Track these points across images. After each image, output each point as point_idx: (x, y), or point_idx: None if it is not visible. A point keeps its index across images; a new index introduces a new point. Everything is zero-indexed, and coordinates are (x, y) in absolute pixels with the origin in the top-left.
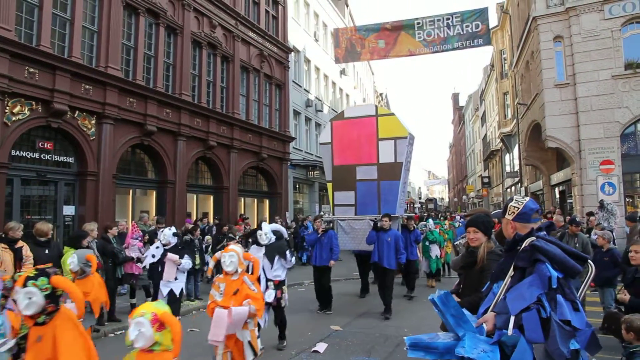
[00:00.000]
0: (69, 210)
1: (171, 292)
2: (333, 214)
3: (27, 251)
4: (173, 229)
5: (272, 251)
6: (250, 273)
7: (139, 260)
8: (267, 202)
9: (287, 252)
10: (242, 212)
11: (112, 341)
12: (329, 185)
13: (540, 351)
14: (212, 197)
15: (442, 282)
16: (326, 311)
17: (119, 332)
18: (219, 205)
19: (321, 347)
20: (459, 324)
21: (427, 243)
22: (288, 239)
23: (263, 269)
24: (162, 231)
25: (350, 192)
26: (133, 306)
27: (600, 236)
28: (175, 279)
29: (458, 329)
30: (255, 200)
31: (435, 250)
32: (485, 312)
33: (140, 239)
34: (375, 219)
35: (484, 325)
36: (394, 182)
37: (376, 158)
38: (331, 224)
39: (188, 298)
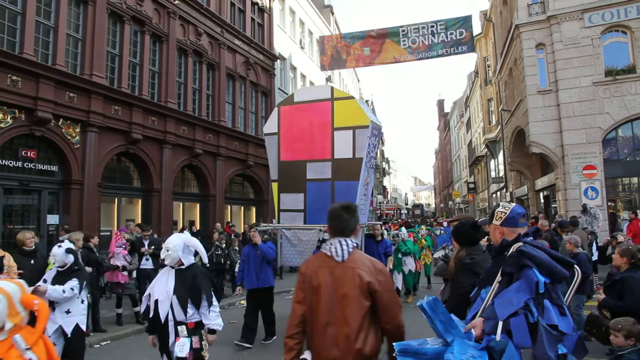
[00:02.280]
0: (53, 219)
1: (77, 327)
2: (278, 221)
3: (9, 261)
4: (67, 244)
5: (185, 280)
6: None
7: (124, 268)
8: (253, 209)
9: (204, 287)
10: (229, 220)
11: (98, 352)
12: (274, 186)
13: (528, 356)
14: (198, 205)
15: (417, 296)
16: (266, 340)
17: (104, 343)
18: (206, 213)
19: (308, 354)
20: (447, 330)
21: (399, 255)
22: (207, 263)
23: (171, 306)
24: (56, 249)
25: (299, 195)
26: (119, 316)
27: (568, 241)
28: (68, 311)
29: (447, 335)
30: (242, 207)
31: (409, 264)
32: (474, 317)
33: (124, 246)
34: (323, 229)
35: (473, 330)
36: (351, 183)
37: (330, 152)
38: (267, 235)
39: None
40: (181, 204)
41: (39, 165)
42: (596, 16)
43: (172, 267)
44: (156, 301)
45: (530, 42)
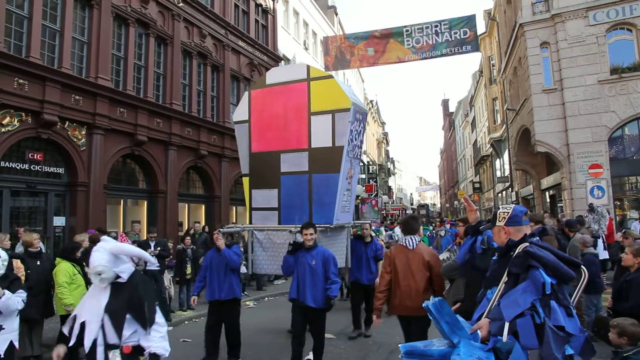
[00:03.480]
0: (59, 221)
1: (11, 345)
2: (250, 221)
3: (17, 262)
4: None
5: (121, 294)
6: None
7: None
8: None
9: (146, 300)
10: (234, 221)
11: None
12: (245, 182)
13: (534, 357)
14: (203, 206)
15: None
16: None
17: None
18: (211, 214)
19: (310, 354)
20: (453, 331)
21: None
22: (158, 266)
23: (102, 327)
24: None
25: (273, 191)
26: None
27: (579, 241)
28: (1, 328)
29: (453, 336)
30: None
31: None
32: (480, 318)
33: None
34: (294, 231)
35: (479, 331)
36: (331, 176)
37: (307, 141)
38: (235, 237)
39: (180, 308)
40: (186, 205)
41: (46, 167)
42: (601, 14)
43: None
44: (82, 324)
45: (534, 41)
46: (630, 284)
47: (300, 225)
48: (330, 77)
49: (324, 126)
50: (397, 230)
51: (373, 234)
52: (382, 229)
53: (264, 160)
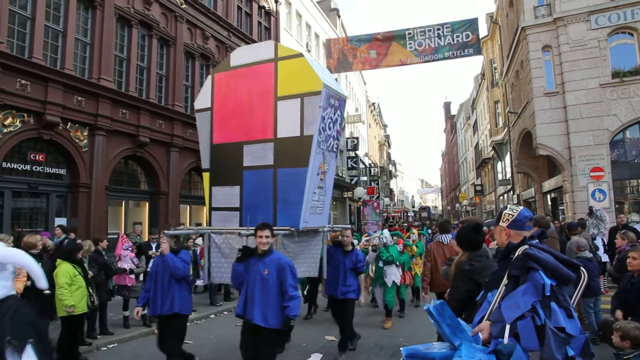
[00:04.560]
0: (60, 222)
1: None
2: (209, 223)
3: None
4: None
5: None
6: None
7: (132, 271)
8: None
9: (16, 337)
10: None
11: (105, 355)
12: (205, 178)
13: (535, 359)
14: (205, 208)
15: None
16: None
17: (111, 346)
18: None
19: (316, 357)
20: (454, 334)
21: (380, 264)
22: (46, 288)
23: None
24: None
25: (234, 188)
26: (126, 319)
27: (575, 243)
28: None
29: (454, 339)
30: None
31: (393, 275)
32: (481, 321)
33: (131, 249)
34: (244, 233)
35: (480, 334)
36: (298, 171)
37: (273, 130)
38: (185, 241)
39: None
40: (188, 207)
41: (47, 168)
42: (603, 18)
43: None
44: None
45: (536, 44)
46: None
47: (253, 228)
48: (300, 55)
49: (292, 113)
50: (386, 232)
51: (356, 242)
52: (386, 230)
53: (226, 153)
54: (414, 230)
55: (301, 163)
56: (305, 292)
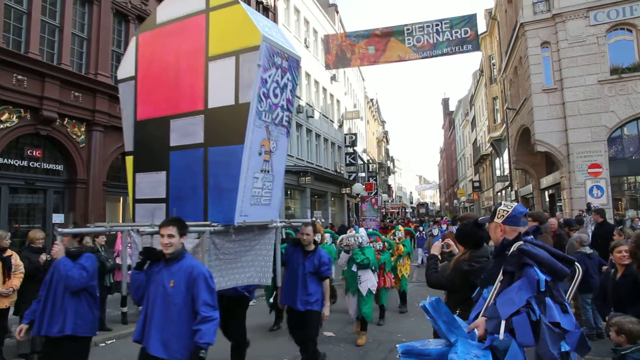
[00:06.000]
0: (58, 218)
1: None
2: (133, 218)
3: (16, 260)
4: None
5: None
6: None
7: (130, 267)
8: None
9: None
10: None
11: (103, 351)
12: (128, 162)
13: (531, 354)
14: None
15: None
16: None
17: (109, 342)
18: None
19: None
20: (450, 330)
21: (354, 268)
22: None
23: None
24: None
25: (160, 174)
26: (124, 315)
27: (575, 239)
28: None
29: (450, 335)
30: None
31: (368, 281)
32: (476, 317)
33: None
34: (144, 231)
35: (476, 330)
36: (232, 150)
37: (203, 99)
38: (89, 242)
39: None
40: None
41: (45, 164)
42: (601, 14)
43: None
44: None
45: (535, 41)
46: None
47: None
48: (236, 2)
49: (225, 76)
50: (361, 231)
51: (328, 239)
52: (361, 229)
53: (151, 131)
54: (400, 228)
55: (236, 139)
56: (272, 300)
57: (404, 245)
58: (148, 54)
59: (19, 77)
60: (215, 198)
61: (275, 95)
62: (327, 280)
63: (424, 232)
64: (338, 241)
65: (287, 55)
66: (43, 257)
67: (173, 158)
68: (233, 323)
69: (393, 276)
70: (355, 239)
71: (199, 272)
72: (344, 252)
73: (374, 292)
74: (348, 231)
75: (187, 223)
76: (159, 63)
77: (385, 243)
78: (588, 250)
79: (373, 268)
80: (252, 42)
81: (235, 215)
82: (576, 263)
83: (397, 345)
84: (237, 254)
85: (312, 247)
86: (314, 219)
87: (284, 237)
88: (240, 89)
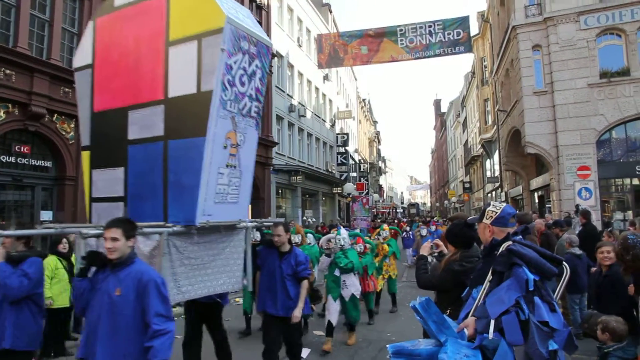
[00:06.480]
0: (46, 215)
1: None
2: (89, 219)
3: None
4: None
5: None
6: None
7: None
8: (249, 207)
9: None
10: None
11: None
12: (84, 158)
13: (520, 353)
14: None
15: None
16: None
17: None
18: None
19: (304, 352)
20: (440, 330)
21: (336, 273)
22: None
23: None
24: None
25: (118, 170)
26: None
27: (565, 240)
28: None
29: (440, 335)
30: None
31: (352, 286)
32: (466, 317)
33: None
34: (86, 233)
35: (465, 330)
36: (193, 142)
37: (163, 88)
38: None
39: None
40: None
41: (33, 160)
42: (592, 19)
43: None
44: None
45: (526, 44)
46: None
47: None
48: None
49: (187, 62)
50: (343, 232)
51: (312, 240)
52: (343, 230)
53: (109, 124)
54: (385, 227)
55: (198, 131)
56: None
57: (389, 245)
58: (106, 39)
59: (7, 71)
60: (176, 196)
61: (242, 84)
62: (306, 281)
63: (411, 233)
64: (320, 242)
65: (255, 40)
66: None
67: (131, 153)
68: (209, 325)
69: (378, 277)
70: (337, 241)
71: (150, 278)
72: (324, 256)
73: (358, 296)
74: (332, 231)
75: (143, 224)
76: (117, 49)
77: (367, 245)
78: (578, 251)
79: (357, 272)
80: (215, 25)
81: (197, 214)
82: (564, 263)
83: (387, 346)
84: (206, 259)
85: (287, 247)
86: (285, 219)
87: (263, 237)
88: (202, 76)
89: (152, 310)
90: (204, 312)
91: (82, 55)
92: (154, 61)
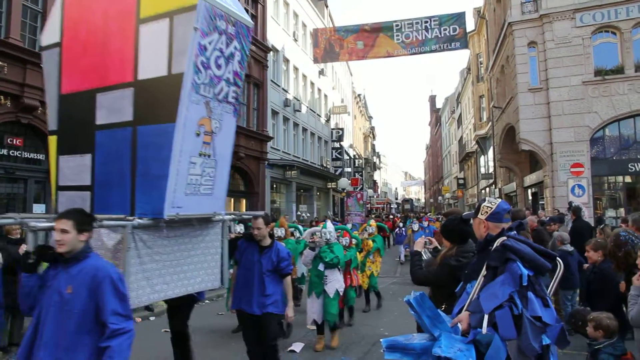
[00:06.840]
0: (39, 208)
1: None
2: (55, 208)
3: None
4: None
5: None
6: None
7: None
8: (244, 201)
9: None
10: None
11: None
12: (51, 143)
13: (513, 347)
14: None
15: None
16: None
17: None
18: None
19: (297, 346)
20: (434, 325)
21: (320, 267)
22: None
23: None
24: None
25: (85, 157)
26: None
27: (557, 237)
28: None
29: (434, 329)
30: (232, 200)
31: (336, 281)
32: (460, 311)
33: None
34: (34, 226)
35: (459, 324)
36: (163, 129)
37: (132, 69)
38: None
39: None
40: None
41: (25, 153)
42: (587, 16)
43: None
44: None
45: (522, 40)
46: (599, 275)
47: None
48: None
49: (158, 42)
50: (330, 225)
51: (287, 233)
52: (329, 223)
53: (76, 107)
54: (372, 222)
55: (168, 117)
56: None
57: (373, 240)
58: (75, 15)
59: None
60: (144, 186)
61: (219, 66)
62: (288, 278)
63: (403, 229)
64: (304, 235)
65: (234, 20)
66: (23, 247)
67: (99, 139)
68: (177, 317)
69: (360, 273)
70: (323, 234)
71: (105, 274)
72: (308, 249)
73: (341, 293)
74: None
75: (105, 216)
76: (85, 26)
77: (353, 240)
78: (569, 247)
79: (339, 268)
80: (189, 1)
81: (165, 206)
82: (558, 258)
83: (381, 340)
84: (179, 255)
85: (268, 241)
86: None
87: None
88: (173, 57)
89: (108, 309)
90: (178, 306)
91: (50, 33)
92: (124, 40)
